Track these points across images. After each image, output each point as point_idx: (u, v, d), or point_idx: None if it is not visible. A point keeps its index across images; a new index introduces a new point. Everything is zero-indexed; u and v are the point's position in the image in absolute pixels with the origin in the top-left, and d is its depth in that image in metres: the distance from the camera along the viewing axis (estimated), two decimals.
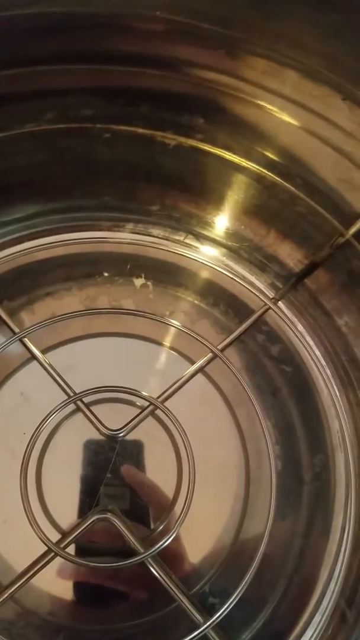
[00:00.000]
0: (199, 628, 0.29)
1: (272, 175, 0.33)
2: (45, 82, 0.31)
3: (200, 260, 0.35)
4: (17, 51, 0.29)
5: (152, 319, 0.33)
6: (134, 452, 0.33)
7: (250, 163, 0.33)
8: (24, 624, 0.30)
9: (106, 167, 0.35)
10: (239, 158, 0.34)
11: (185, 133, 0.34)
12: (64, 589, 0.31)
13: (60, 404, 0.31)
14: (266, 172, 0.33)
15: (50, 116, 0.32)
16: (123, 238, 0.36)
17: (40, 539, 0.28)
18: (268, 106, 0.30)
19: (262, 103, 0.30)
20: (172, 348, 0.36)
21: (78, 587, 0.31)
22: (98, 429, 0.32)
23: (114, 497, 0.32)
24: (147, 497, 0.32)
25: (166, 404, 0.32)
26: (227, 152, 0.34)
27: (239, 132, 0.32)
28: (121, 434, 0.32)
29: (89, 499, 0.32)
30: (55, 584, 0.31)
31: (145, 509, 0.32)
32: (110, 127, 0.34)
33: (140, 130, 0.34)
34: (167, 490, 0.33)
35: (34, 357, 0.33)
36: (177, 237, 0.37)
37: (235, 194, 0.35)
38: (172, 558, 0.31)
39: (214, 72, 0.29)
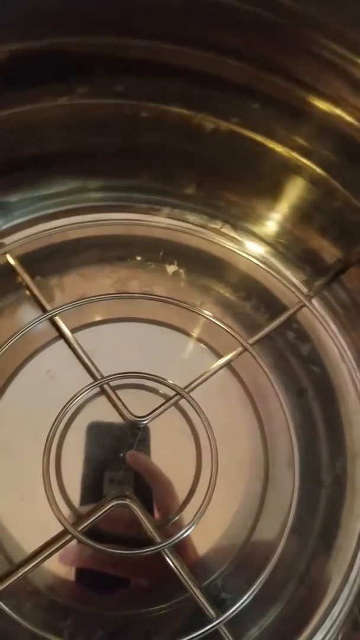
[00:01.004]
0: (210, 622, 0.30)
1: (319, 170, 0.33)
2: (77, 55, 0.31)
3: (235, 251, 0.35)
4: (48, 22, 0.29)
5: (183, 307, 0.33)
6: (155, 440, 0.33)
7: (297, 156, 0.33)
8: (33, 604, 0.31)
9: (147, 147, 0.35)
10: (286, 149, 0.34)
11: (234, 119, 0.34)
12: (74, 573, 0.32)
13: (88, 386, 0.31)
14: (313, 166, 0.33)
15: (82, 91, 0.32)
16: (158, 222, 0.36)
17: (59, 520, 0.29)
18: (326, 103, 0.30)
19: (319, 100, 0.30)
20: (198, 339, 0.36)
21: (80, 573, 0.32)
22: (122, 414, 0.32)
23: (132, 484, 0.32)
24: (151, 482, 0.33)
25: (191, 395, 0.32)
26: (274, 142, 0.34)
27: (292, 125, 0.32)
28: (145, 421, 0.32)
29: (107, 484, 0.32)
30: (66, 567, 0.32)
31: (159, 497, 0.33)
32: (148, 105, 0.34)
33: (185, 112, 0.34)
34: (184, 481, 0.33)
35: (62, 336, 0.33)
36: (213, 226, 0.37)
37: (278, 187, 0.35)
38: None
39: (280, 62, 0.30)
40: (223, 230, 0.37)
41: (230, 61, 0.31)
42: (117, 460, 0.33)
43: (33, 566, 0.29)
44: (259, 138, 0.34)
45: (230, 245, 0.35)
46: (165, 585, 0.32)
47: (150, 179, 0.37)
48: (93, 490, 0.32)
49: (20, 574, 0.29)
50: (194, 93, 0.33)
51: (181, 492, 0.33)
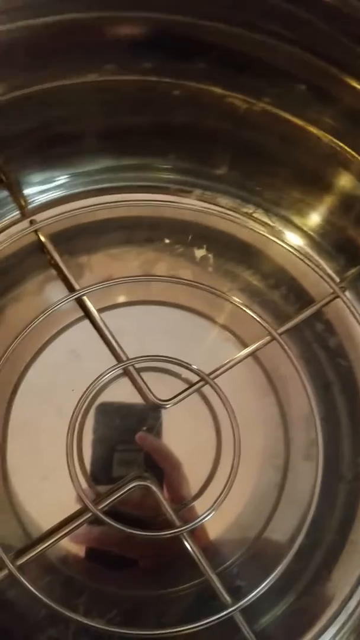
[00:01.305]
0: (224, 608, 0.30)
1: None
2: (105, 30, 0.31)
3: (267, 237, 0.34)
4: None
5: (211, 292, 0.33)
6: (176, 425, 0.33)
7: (336, 141, 0.33)
8: (51, 579, 0.32)
9: (180, 126, 0.35)
10: (323, 133, 0.33)
11: (267, 99, 0.33)
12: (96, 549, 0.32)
13: (114, 367, 0.31)
14: (353, 152, 0.32)
15: (110, 67, 0.32)
16: (189, 204, 0.35)
17: (81, 498, 0.29)
18: None
19: None
20: (223, 326, 0.36)
21: (90, 552, 0.32)
22: (146, 397, 0.32)
23: (151, 466, 0.33)
24: (161, 462, 0.33)
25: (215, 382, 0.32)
26: (311, 126, 0.33)
27: (330, 109, 0.32)
28: (168, 405, 0.32)
29: (127, 465, 0.33)
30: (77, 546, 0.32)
31: (169, 478, 0.33)
32: (179, 83, 0.33)
33: (218, 91, 0.33)
34: (202, 467, 0.33)
35: (88, 316, 0.33)
36: (245, 210, 0.36)
37: (315, 172, 0.34)
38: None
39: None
40: (255, 215, 0.36)
41: (269, 40, 0.30)
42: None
43: (52, 542, 0.30)
44: (296, 120, 0.33)
45: (262, 230, 0.34)
46: (179, 568, 0.32)
47: (182, 159, 0.36)
48: (112, 470, 0.33)
49: (39, 549, 0.29)
50: (226, 71, 0.32)
51: (199, 477, 0.33)
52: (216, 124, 0.35)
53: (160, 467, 0.33)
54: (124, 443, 0.33)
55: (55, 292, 0.34)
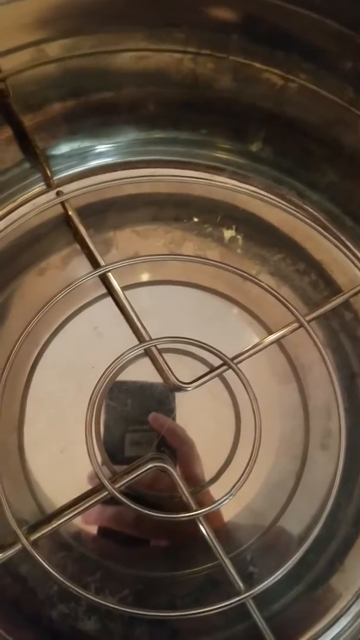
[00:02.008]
0: (237, 594, 0.30)
1: None
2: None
3: (299, 220, 0.34)
4: None
5: (238, 274, 0.32)
6: (195, 408, 0.33)
7: None
8: (64, 556, 0.32)
9: (215, 101, 0.34)
10: None
11: (303, 76, 0.32)
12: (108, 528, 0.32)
13: (136, 346, 0.31)
14: None
15: (148, 38, 0.31)
16: (220, 182, 0.35)
17: (98, 476, 0.29)
18: None
19: None
20: (248, 310, 0.35)
21: (102, 532, 0.32)
22: (167, 378, 0.32)
23: (169, 447, 0.33)
24: (175, 443, 0.33)
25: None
26: (350, 105, 0.32)
27: None
28: (189, 388, 0.32)
29: (144, 446, 0.33)
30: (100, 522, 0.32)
31: (183, 458, 0.33)
32: (214, 57, 0.32)
33: (255, 65, 0.32)
34: (220, 451, 0.33)
35: (111, 293, 0.33)
36: (278, 191, 0.36)
37: (355, 156, 0.33)
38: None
39: None
40: (288, 196, 0.36)
41: (310, 15, 0.29)
42: None
43: (67, 519, 0.30)
44: (335, 99, 0.32)
45: (294, 213, 0.34)
46: (192, 550, 0.33)
47: (216, 135, 0.35)
48: (126, 450, 0.33)
49: (53, 526, 0.30)
50: (264, 46, 0.31)
51: (216, 461, 0.33)
52: (252, 100, 0.34)
53: (173, 448, 0.33)
54: (138, 423, 0.33)
55: (79, 267, 0.34)
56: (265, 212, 0.35)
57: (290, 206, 0.34)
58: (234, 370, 0.31)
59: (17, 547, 0.29)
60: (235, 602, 0.30)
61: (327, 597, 0.33)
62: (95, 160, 0.35)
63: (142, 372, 0.33)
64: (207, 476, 0.33)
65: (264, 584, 0.30)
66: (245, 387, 0.31)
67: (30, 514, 0.32)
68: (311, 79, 0.32)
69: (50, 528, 0.30)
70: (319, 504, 0.33)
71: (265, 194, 0.35)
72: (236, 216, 0.35)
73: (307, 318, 0.31)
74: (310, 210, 0.36)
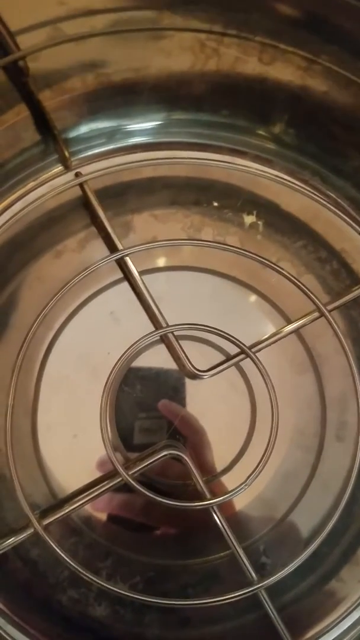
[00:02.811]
0: (250, 584, 0.30)
1: None
2: None
3: (322, 207, 0.33)
4: None
5: (258, 261, 0.32)
6: (210, 396, 0.33)
7: None
8: (75, 541, 0.32)
9: (239, 81, 0.33)
10: None
11: (325, 57, 0.31)
12: (118, 516, 0.32)
13: (153, 333, 0.30)
14: None
15: (164, 16, 0.31)
16: (242, 165, 0.34)
17: (112, 462, 0.29)
18: None
19: None
20: (267, 298, 0.35)
21: (111, 519, 0.32)
22: (183, 366, 0.32)
23: (183, 436, 0.33)
24: (185, 430, 0.33)
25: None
26: None
27: None
28: (206, 376, 0.32)
29: (154, 433, 0.33)
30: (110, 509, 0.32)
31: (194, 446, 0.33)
32: (237, 36, 0.31)
33: (279, 45, 0.32)
34: (234, 441, 0.33)
35: (128, 278, 0.33)
36: (301, 176, 0.35)
37: None
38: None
39: None
40: (312, 182, 0.35)
41: None
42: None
43: (80, 504, 0.30)
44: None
45: (317, 199, 0.33)
46: (204, 539, 0.33)
47: (238, 117, 0.35)
48: (139, 437, 0.33)
49: (66, 511, 0.30)
50: (289, 27, 0.31)
51: (230, 451, 0.33)
52: (276, 82, 0.33)
53: (185, 435, 0.33)
54: (150, 410, 0.33)
55: (96, 251, 0.34)
56: (288, 198, 0.35)
57: (314, 192, 0.33)
58: (252, 359, 0.31)
59: (29, 531, 0.29)
60: (248, 592, 0.29)
61: (339, 589, 0.33)
62: (115, 142, 0.35)
63: (159, 360, 0.33)
64: (221, 465, 0.33)
65: (277, 575, 0.30)
66: (264, 377, 0.31)
67: (42, 498, 0.32)
68: (335, 60, 0.31)
69: (62, 513, 0.30)
70: (334, 497, 0.33)
71: (288, 178, 0.34)
72: (257, 201, 0.35)
73: (329, 307, 0.31)
74: (334, 196, 0.35)
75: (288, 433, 0.33)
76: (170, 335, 0.31)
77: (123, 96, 0.33)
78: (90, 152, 0.35)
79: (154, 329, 0.32)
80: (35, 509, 0.31)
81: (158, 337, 0.32)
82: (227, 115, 0.35)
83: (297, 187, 0.33)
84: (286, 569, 0.30)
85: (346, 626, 0.32)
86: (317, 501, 0.33)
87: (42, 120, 0.33)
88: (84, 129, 0.35)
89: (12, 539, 0.29)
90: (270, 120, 0.35)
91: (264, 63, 0.33)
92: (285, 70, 0.33)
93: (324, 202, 0.33)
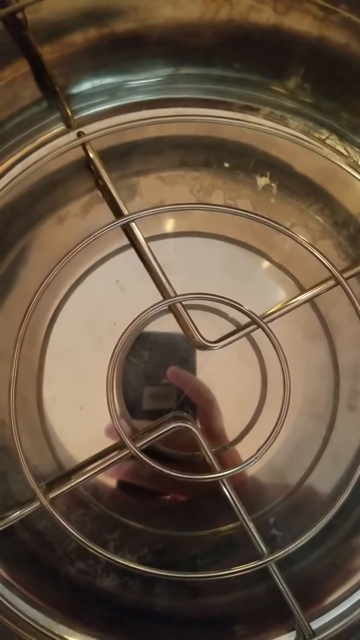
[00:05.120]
0: (260, 557, 0.29)
1: None
2: None
3: (340, 167, 0.31)
4: None
5: (272, 227, 0.30)
6: (220, 367, 0.32)
7: None
8: (83, 512, 0.32)
9: (252, 33, 0.31)
10: None
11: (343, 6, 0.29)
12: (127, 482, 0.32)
13: (160, 303, 0.29)
14: None
15: None
16: (255, 123, 0.32)
17: (120, 434, 0.28)
18: None
19: None
20: (279, 266, 0.33)
21: (121, 485, 0.32)
22: (192, 337, 0.30)
23: (192, 407, 0.32)
24: (195, 398, 0.32)
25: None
26: None
27: None
28: (215, 347, 0.31)
29: (163, 399, 0.32)
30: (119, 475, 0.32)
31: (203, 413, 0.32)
32: None
33: None
34: (244, 412, 0.32)
35: (134, 245, 0.31)
36: (318, 135, 0.33)
37: None
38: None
39: None
40: (329, 141, 0.33)
41: None
42: None
43: (87, 477, 0.29)
44: None
45: (334, 159, 0.31)
46: (213, 510, 0.32)
47: (251, 71, 0.33)
48: (147, 403, 0.32)
49: (72, 484, 0.29)
50: None
51: (240, 422, 0.32)
52: (291, 33, 0.31)
53: (194, 403, 0.32)
54: (159, 378, 0.32)
55: (100, 216, 0.32)
56: (303, 159, 0.33)
57: (331, 151, 0.31)
58: (264, 330, 0.29)
59: (35, 504, 0.29)
60: (259, 565, 0.29)
61: (350, 562, 0.33)
62: (119, 99, 0.33)
63: (166, 329, 0.32)
64: (231, 436, 0.32)
65: (287, 549, 0.29)
66: (276, 349, 0.29)
67: (49, 470, 0.31)
68: (352, 9, 0.29)
69: (69, 486, 0.29)
70: (345, 468, 0.32)
71: (304, 137, 0.32)
72: (271, 162, 0.33)
73: (345, 275, 0.29)
74: (352, 157, 0.33)
75: (299, 402, 0.32)
76: (178, 305, 0.30)
77: (128, 49, 0.31)
78: (93, 110, 0.33)
79: (161, 298, 0.30)
80: (42, 480, 0.31)
81: (166, 307, 0.31)
82: (239, 69, 0.33)
83: (313, 146, 0.31)
84: (297, 542, 0.29)
85: (357, 599, 0.32)
86: (329, 473, 0.33)
87: (42, 77, 0.31)
88: (86, 85, 0.33)
89: (18, 512, 0.29)
90: (285, 75, 0.32)
91: (279, 13, 0.30)
92: (302, 20, 0.30)
93: (341, 163, 0.31)
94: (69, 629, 0.31)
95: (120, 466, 0.32)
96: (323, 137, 0.33)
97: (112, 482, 0.32)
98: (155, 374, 0.32)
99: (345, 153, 0.33)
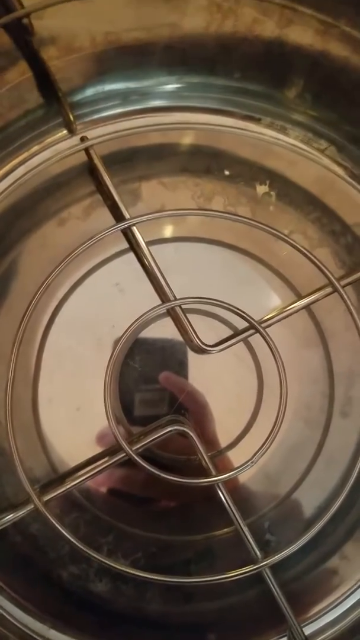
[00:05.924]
0: (254, 562, 0.29)
1: None
2: None
3: (338, 177, 0.32)
4: None
5: (271, 233, 0.30)
6: (217, 372, 0.32)
7: None
8: (77, 516, 0.31)
9: (259, 46, 0.32)
10: None
11: (344, 20, 0.30)
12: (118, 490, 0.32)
13: (160, 306, 0.29)
14: None
15: None
16: (256, 132, 0.33)
17: (116, 437, 0.28)
18: None
19: None
20: (277, 272, 0.33)
21: (114, 492, 0.32)
22: (190, 340, 0.31)
23: (189, 411, 0.32)
24: (187, 402, 0.32)
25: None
26: None
27: None
28: (214, 351, 0.31)
29: (155, 404, 0.32)
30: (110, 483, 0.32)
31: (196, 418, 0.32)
32: None
33: (298, 8, 0.30)
34: (240, 417, 0.32)
35: (134, 248, 0.31)
36: (317, 145, 0.33)
37: None
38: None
39: None
40: (328, 152, 0.33)
41: None
42: None
43: (81, 480, 0.29)
44: None
45: (333, 170, 0.32)
46: (207, 515, 0.32)
47: (254, 81, 0.33)
48: (139, 409, 0.32)
49: (67, 487, 0.29)
50: None
51: (236, 427, 0.32)
52: (293, 45, 0.32)
53: (185, 407, 0.32)
54: (155, 382, 0.32)
55: (101, 219, 0.32)
56: (302, 168, 0.33)
57: (330, 162, 0.32)
58: (262, 335, 0.30)
59: (29, 507, 0.28)
60: (252, 570, 0.29)
61: (343, 567, 0.33)
62: (123, 105, 0.33)
63: (166, 333, 0.32)
64: (227, 441, 0.32)
65: (281, 553, 0.29)
66: (274, 354, 0.29)
67: (43, 472, 0.31)
68: (352, 24, 0.30)
69: (64, 489, 0.29)
70: (340, 474, 0.32)
71: (303, 147, 0.33)
72: (271, 170, 0.33)
73: (342, 283, 0.30)
74: (350, 168, 0.34)
75: (293, 407, 0.32)
76: (177, 308, 0.30)
77: (133, 57, 0.32)
78: (96, 116, 0.33)
79: (160, 301, 0.31)
80: (35, 483, 0.31)
81: (164, 310, 0.31)
82: (242, 80, 0.33)
83: (312, 156, 0.32)
84: (291, 547, 0.29)
85: (350, 604, 0.32)
86: (324, 478, 0.33)
87: (46, 82, 0.31)
88: (90, 91, 0.33)
89: (12, 515, 0.29)
90: (286, 86, 0.33)
91: (282, 25, 0.31)
92: (303, 33, 0.31)
93: (340, 173, 0.32)
94: (61, 634, 0.31)
95: (111, 474, 0.31)
96: (322, 147, 0.34)
97: (102, 487, 0.32)
98: (152, 378, 0.32)
99: (344, 163, 0.34)
